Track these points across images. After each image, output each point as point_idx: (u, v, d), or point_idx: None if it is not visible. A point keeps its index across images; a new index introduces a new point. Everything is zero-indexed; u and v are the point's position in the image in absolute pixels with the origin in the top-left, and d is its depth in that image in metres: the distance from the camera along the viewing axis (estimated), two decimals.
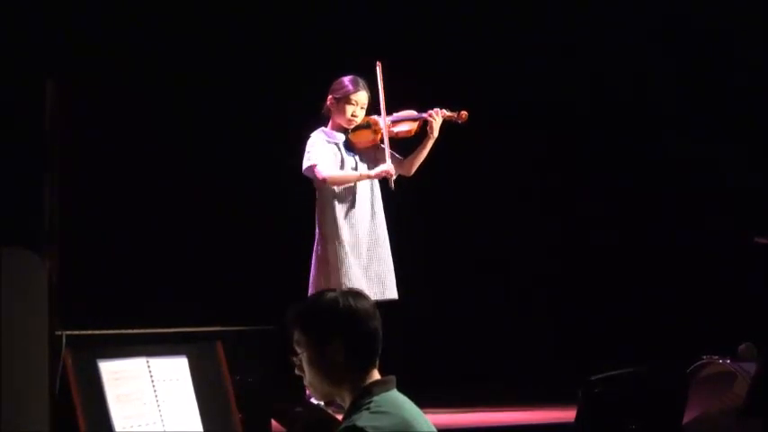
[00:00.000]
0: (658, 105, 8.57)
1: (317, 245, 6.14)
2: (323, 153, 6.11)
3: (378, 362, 3.17)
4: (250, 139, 7.80)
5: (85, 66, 7.14)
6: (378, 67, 6.17)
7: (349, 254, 6.05)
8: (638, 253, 8.57)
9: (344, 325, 3.13)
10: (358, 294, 3.20)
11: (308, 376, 3.19)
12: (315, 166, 6.05)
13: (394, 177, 6.12)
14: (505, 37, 8.35)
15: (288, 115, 7.41)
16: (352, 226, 6.10)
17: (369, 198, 6.17)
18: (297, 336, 3.19)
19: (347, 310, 3.14)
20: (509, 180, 8.61)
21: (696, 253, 8.32)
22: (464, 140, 6.93)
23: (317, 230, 6.15)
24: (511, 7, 8.38)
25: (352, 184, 6.12)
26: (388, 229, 6.26)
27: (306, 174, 6.11)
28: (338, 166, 6.13)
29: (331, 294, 3.19)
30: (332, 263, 6.06)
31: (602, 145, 8.59)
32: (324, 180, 6.05)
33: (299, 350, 3.18)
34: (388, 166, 6.09)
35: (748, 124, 8.34)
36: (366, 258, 6.11)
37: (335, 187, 6.10)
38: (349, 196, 6.12)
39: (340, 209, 6.10)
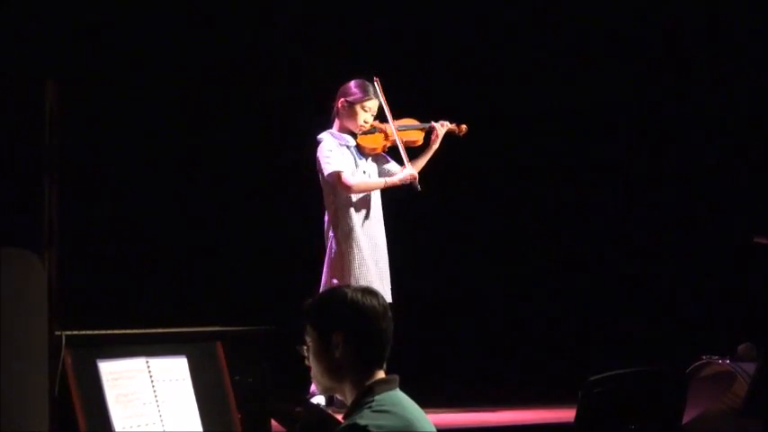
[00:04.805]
0: (657, 105, 8.57)
1: (332, 247, 6.12)
2: (343, 159, 6.10)
3: (384, 362, 3.16)
4: (250, 140, 7.81)
5: (85, 66, 7.14)
6: (376, 82, 6.17)
7: (366, 257, 6.06)
8: (637, 253, 8.57)
9: (348, 321, 3.13)
10: (370, 292, 3.18)
11: (312, 368, 3.21)
12: (341, 173, 6.03)
13: (416, 178, 6.13)
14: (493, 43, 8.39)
15: (287, 117, 7.43)
16: (368, 229, 6.11)
17: (379, 203, 6.19)
18: (307, 327, 3.19)
19: (353, 307, 3.14)
20: (508, 179, 8.62)
21: (696, 253, 8.32)
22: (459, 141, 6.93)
23: (331, 233, 6.13)
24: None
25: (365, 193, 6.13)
26: (388, 229, 6.27)
27: (329, 179, 6.06)
28: (353, 170, 6.13)
29: (342, 290, 3.20)
30: (347, 266, 6.05)
31: (602, 144, 8.60)
32: (350, 188, 6.05)
33: (307, 341, 3.19)
34: (411, 170, 6.12)
35: (748, 123, 8.35)
36: (382, 261, 6.13)
37: (367, 192, 6.11)
38: (364, 200, 6.13)
39: (356, 213, 6.10)
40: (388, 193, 6.22)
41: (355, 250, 6.06)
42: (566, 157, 8.61)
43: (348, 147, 6.16)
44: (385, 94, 6.18)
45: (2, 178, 6.41)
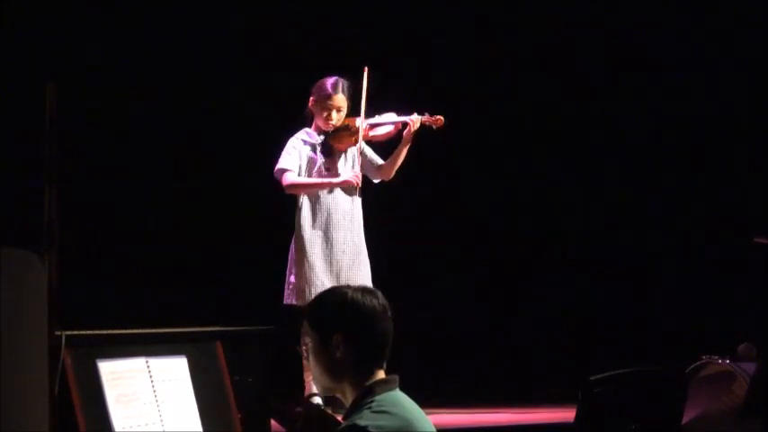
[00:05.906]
0: (656, 104, 8.57)
1: (292, 246, 6.14)
2: (295, 157, 6.11)
3: (384, 363, 3.16)
4: (250, 140, 7.80)
5: (85, 68, 7.14)
6: (365, 72, 6.15)
7: (316, 259, 6.04)
8: (637, 253, 8.57)
9: (347, 322, 3.13)
10: (370, 292, 3.18)
11: (312, 368, 3.21)
12: (283, 171, 6.07)
13: (358, 184, 6.06)
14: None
15: (285, 117, 7.42)
16: (326, 231, 6.08)
17: (349, 206, 6.14)
18: (307, 327, 3.20)
19: (353, 307, 3.13)
20: (509, 179, 8.62)
21: (696, 253, 8.32)
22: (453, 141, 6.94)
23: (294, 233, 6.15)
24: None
25: (328, 191, 6.10)
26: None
27: (276, 175, 6.11)
28: (309, 168, 6.11)
29: (342, 290, 3.19)
30: (299, 266, 6.06)
31: (602, 143, 8.60)
32: (287, 186, 6.06)
33: (307, 341, 3.19)
34: (350, 175, 6.07)
35: (749, 124, 8.34)
36: (340, 265, 6.08)
37: (305, 193, 6.09)
38: (321, 202, 6.10)
39: (310, 214, 6.09)
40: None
41: (303, 251, 6.05)
42: (565, 157, 8.61)
43: (314, 145, 6.16)
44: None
45: (2, 178, 6.42)
